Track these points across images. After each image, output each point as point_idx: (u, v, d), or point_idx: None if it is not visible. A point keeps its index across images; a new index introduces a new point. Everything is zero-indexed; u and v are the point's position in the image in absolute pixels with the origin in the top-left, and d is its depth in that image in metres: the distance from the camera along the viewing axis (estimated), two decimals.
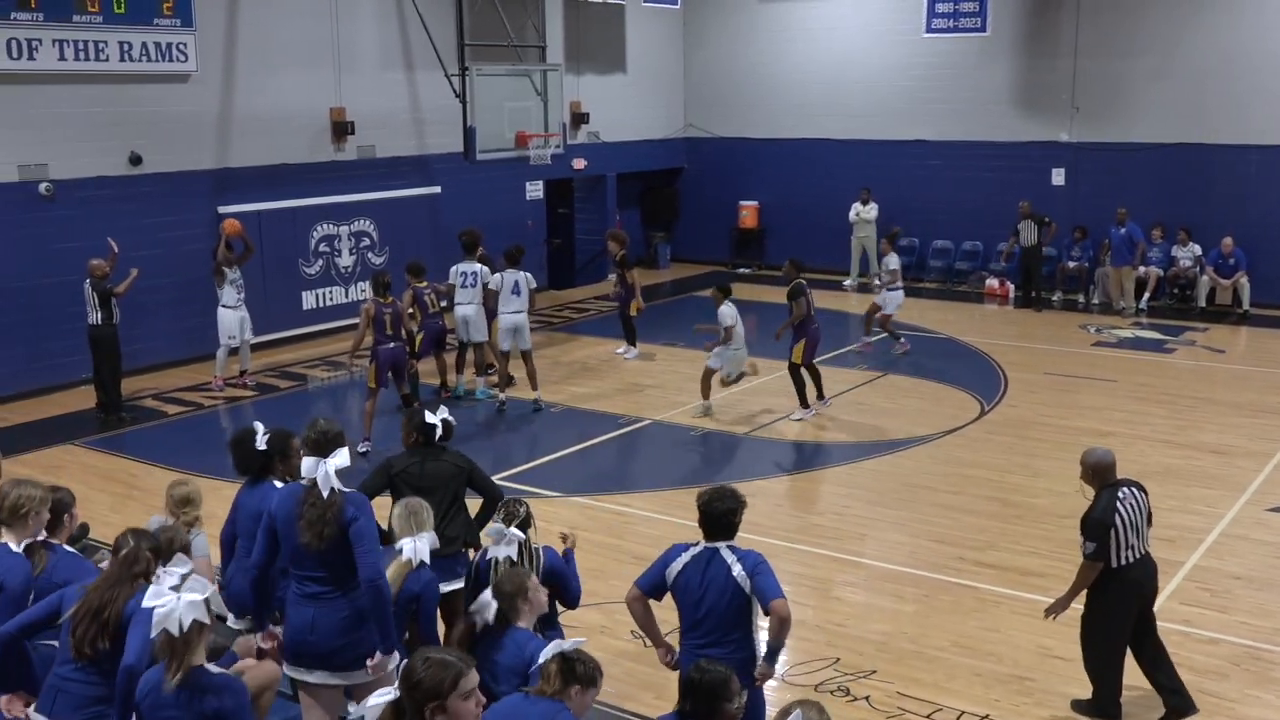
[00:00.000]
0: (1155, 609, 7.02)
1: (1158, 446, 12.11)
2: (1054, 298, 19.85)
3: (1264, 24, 18.48)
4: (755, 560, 5.52)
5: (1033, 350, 16.38)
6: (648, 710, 7.04)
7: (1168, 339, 17.18)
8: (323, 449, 5.72)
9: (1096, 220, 19.52)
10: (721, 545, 5.56)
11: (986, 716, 7.02)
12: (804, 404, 13.10)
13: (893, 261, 16.21)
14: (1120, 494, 6.69)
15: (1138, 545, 6.67)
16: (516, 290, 13.48)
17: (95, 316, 12.99)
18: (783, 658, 7.61)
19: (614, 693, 7.23)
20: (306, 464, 5.69)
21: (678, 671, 5.58)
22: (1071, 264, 19.90)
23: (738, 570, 5.45)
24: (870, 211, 21.15)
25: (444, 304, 13.89)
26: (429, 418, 6.98)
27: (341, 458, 5.69)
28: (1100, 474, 6.82)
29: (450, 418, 7.04)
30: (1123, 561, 6.62)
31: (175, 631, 4.42)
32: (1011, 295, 19.94)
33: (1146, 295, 19.09)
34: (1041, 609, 8.40)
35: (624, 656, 7.71)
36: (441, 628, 6.65)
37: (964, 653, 7.82)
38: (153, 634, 4.50)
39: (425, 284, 13.56)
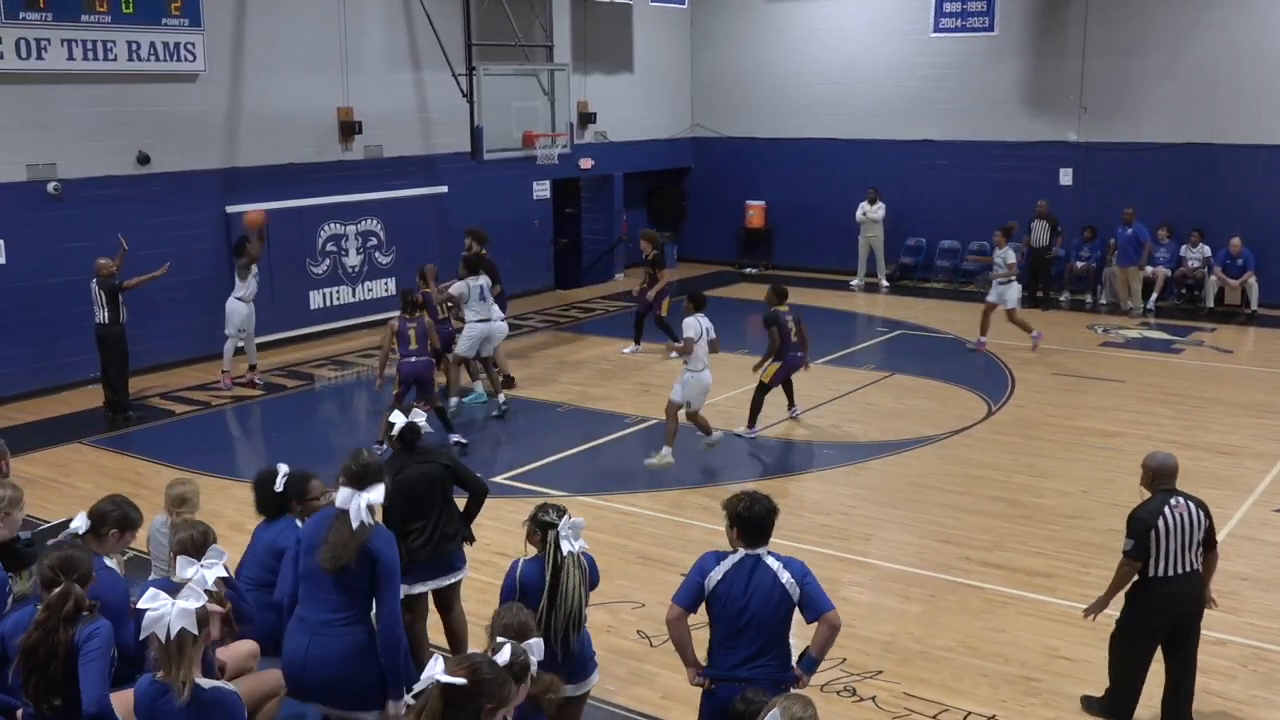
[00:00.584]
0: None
1: (1165, 447, 11.92)
2: (1061, 298, 19.82)
3: (1273, 23, 18.43)
4: (802, 568, 5.39)
5: (1040, 350, 16.35)
6: (652, 709, 7.04)
7: (1175, 339, 17.15)
8: (361, 481, 5.61)
9: (1104, 220, 19.48)
10: (763, 551, 5.40)
11: (993, 717, 7.01)
12: (751, 425, 12.65)
13: (1009, 255, 16.13)
14: (1172, 502, 6.53)
15: (1181, 559, 6.48)
16: (483, 296, 13.52)
17: (102, 315, 13.02)
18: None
19: (615, 690, 7.24)
20: (342, 494, 5.59)
21: (701, 688, 5.47)
22: (1080, 264, 19.87)
23: (785, 578, 5.31)
24: (878, 211, 21.13)
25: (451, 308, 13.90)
26: (400, 419, 6.96)
27: (377, 493, 5.60)
28: (1156, 478, 6.69)
29: (417, 420, 6.99)
30: (1160, 572, 6.48)
31: (163, 638, 4.33)
32: (1024, 297, 19.88)
33: (1154, 295, 19.06)
34: (1048, 609, 8.44)
35: (629, 656, 7.71)
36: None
37: (970, 653, 7.81)
38: (141, 635, 4.43)
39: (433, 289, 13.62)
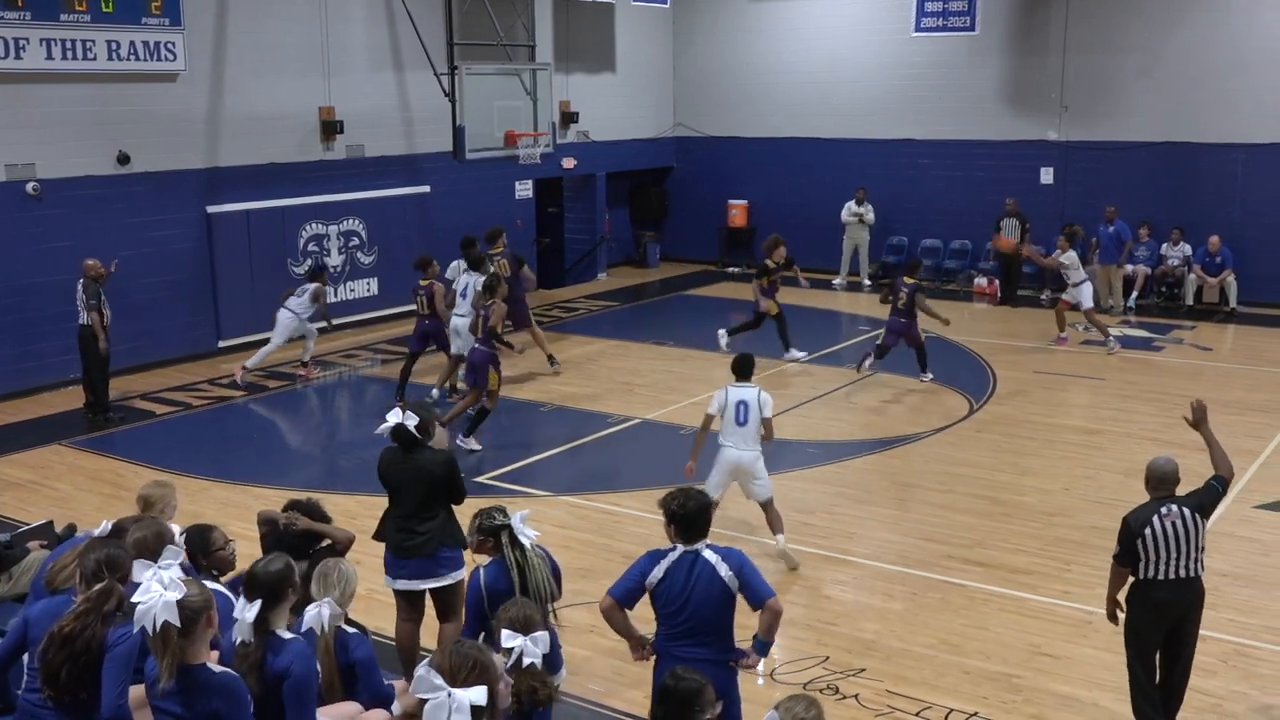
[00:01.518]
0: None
1: (1145, 444, 12.13)
2: (1043, 296, 19.90)
3: (1251, 23, 18.55)
4: (739, 558, 5.50)
5: (1021, 348, 16.43)
6: (637, 709, 7.05)
7: (1155, 337, 17.24)
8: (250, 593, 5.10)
9: (1085, 219, 19.51)
10: (701, 545, 5.52)
11: (975, 714, 7.04)
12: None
13: (1073, 257, 16.25)
14: (1163, 510, 6.40)
15: (1173, 565, 6.38)
16: (465, 294, 13.61)
17: (86, 316, 12.90)
18: (773, 655, 7.65)
19: (601, 690, 7.25)
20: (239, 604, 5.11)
21: (652, 663, 5.61)
22: None
23: (724, 570, 5.42)
24: (865, 211, 21.15)
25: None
26: (390, 420, 6.95)
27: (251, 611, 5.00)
28: (1151, 482, 6.62)
29: (407, 421, 6.89)
30: (1151, 575, 6.42)
31: (150, 629, 4.38)
32: (999, 294, 19.98)
33: (1134, 294, 19.16)
34: (1029, 607, 8.48)
35: (612, 655, 7.71)
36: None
37: (953, 650, 7.84)
38: (134, 628, 4.47)
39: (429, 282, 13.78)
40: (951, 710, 7.07)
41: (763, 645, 5.54)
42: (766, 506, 9.27)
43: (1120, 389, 14.39)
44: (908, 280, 14.78)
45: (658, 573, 5.49)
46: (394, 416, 6.95)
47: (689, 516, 5.52)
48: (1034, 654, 7.77)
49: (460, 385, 13.71)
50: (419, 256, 14.34)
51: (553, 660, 5.74)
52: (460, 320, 13.66)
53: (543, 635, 4.57)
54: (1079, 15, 19.81)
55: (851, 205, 21.23)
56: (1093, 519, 10.09)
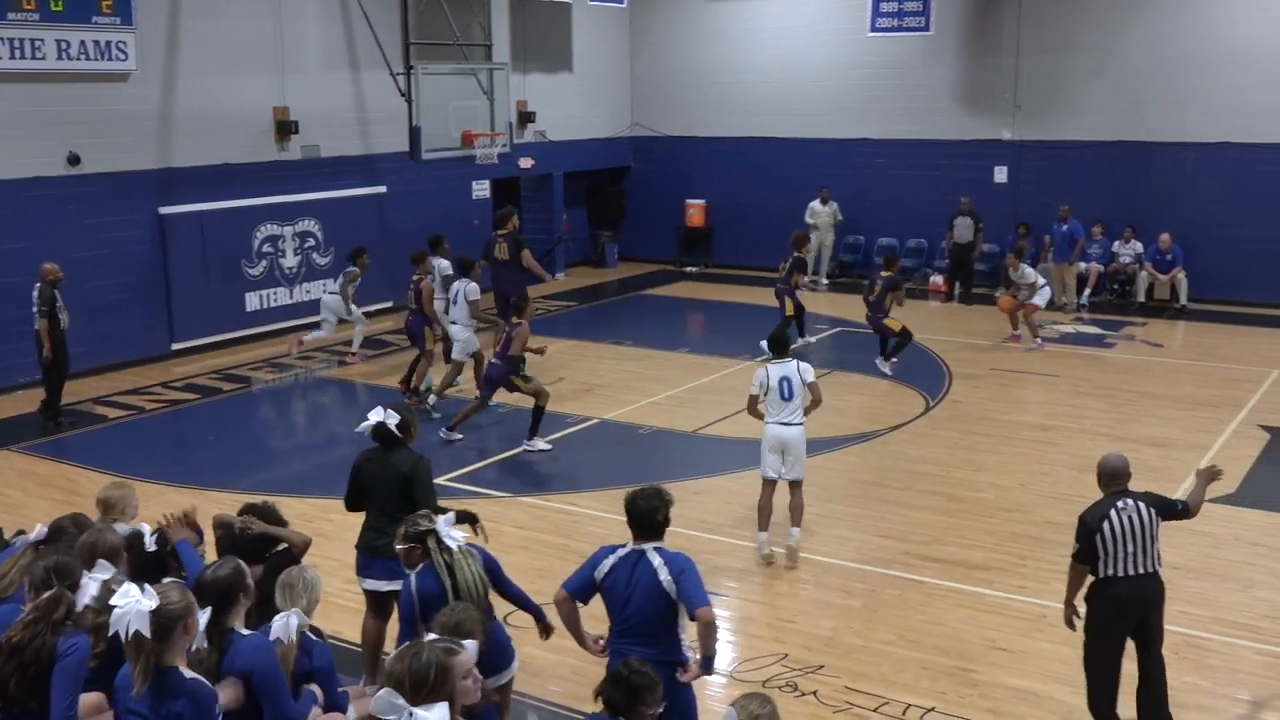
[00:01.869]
0: None
1: (1098, 440, 12.28)
2: (997, 293, 20.04)
3: (1201, 24, 18.81)
4: (682, 565, 5.43)
5: (976, 346, 16.57)
6: (597, 709, 7.03)
7: (1108, 334, 17.45)
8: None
9: (1038, 217, 19.77)
10: (649, 547, 5.49)
11: (932, 709, 7.09)
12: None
13: (1027, 274, 16.50)
14: (1119, 504, 6.44)
15: (1132, 561, 6.40)
16: (455, 300, 13.60)
17: (38, 321, 12.65)
18: (731, 654, 7.68)
19: (560, 691, 7.24)
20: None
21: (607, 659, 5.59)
22: None
23: (664, 575, 5.38)
24: (829, 210, 21.20)
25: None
26: (371, 419, 6.92)
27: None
28: (1102, 479, 6.66)
29: (388, 420, 6.87)
30: (1111, 572, 6.44)
31: (124, 635, 4.36)
32: (956, 292, 20.14)
33: (1087, 291, 19.38)
34: (986, 602, 8.56)
35: (572, 656, 7.69)
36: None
37: (910, 646, 7.89)
38: (110, 631, 4.45)
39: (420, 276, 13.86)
40: (909, 705, 7.12)
41: (705, 660, 5.39)
42: (794, 489, 9.32)
43: (1074, 385, 14.55)
44: (885, 274, 15.30)
45: (605, 567, 5.50)
46: (375, 415, 6.92)
47: (635, 514, 5.52)
48: (990, 648, 7.84)
49: (442, 385, 13.82)
50: (417, 251, 14.31)
51: (497, 659, 5.79)
52: (454, 328, 13.57)
53: (472, 643, 4.53)
54: (1032, 16, 20.01)
55: (815, 205, 21.26)
56: (1048, 514, 10.19)
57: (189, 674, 4.52)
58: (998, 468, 11.52)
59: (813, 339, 16.79)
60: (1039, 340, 16.36)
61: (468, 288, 13.45)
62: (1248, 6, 18.46)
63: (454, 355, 13.71)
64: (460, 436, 12.38)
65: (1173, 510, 6.61)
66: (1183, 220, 19.16)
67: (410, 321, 13.93)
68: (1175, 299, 19.04)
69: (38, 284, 12.69)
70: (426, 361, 13.86)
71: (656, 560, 5.42)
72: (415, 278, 13.82)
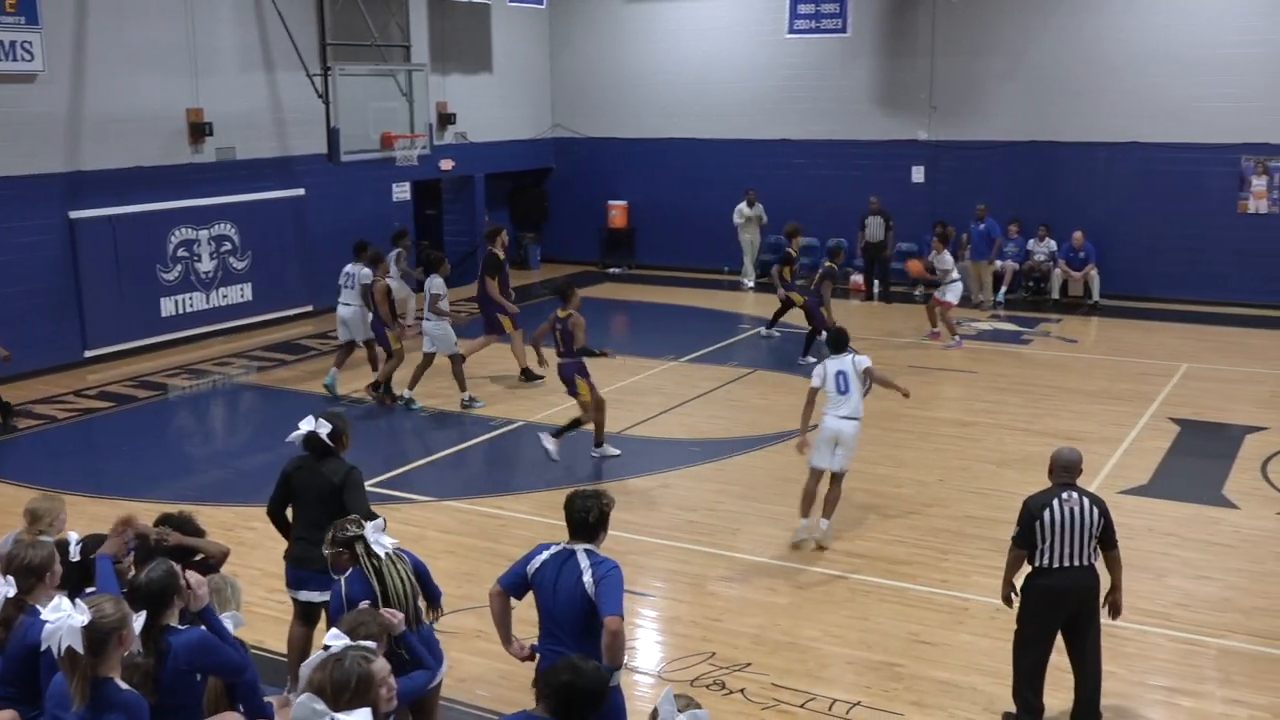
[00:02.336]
0: None
1: (1016, 435, 12.54)
2: (916, 292, 20.38)
3: (1108, 27, 19.26)
4: (606, 571, 5.36)
5: (896, 344, 16.79)
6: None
7: (1024, 330, 17.78)
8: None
9: (955, 216, 20.07)
10: (580, 548, 5.46)
11: (858, 703, 7.17)
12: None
13: (947, 259, 16.79)
14: (1064, 495, 6.54)
15: (1069, 553, 6.49)
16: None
17: None
18: (659, 654, 7.70)
19: (488, 695, 7.20)
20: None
21: (533, 662, 5.56)
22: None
23: (587, 576, 5.34)
24: (755, 212, 21.29)
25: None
26: (301, 429, 6.82)
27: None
28: (1054, 470, 6.76)
29: (319, 429, 6.78)
30: (1046, 562, 6.55)
31: (56, 652, 4.30)
32: (878, 291, 20.38)
33: (1003, 289, 19.74)
34: (909, 596, 8.67)
35: (500, 660, 7.65)
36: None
37: (836, 642, 7.98)
38: (42, 646, 4.41)
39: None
40: (835, 700, 7.19)
41: (607, 669, 5.14)
42: (836, 480, 9.65)
43: (991, 381, 14.81)
44: (827, 264, 15.78)
45: (536, 563, 5.49)
46: (306, 424, 6.81)
47: (569, 513, 5.53)
48: (914, 642, 7.95)
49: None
50: (371, 251, 14.24)
51: (423, 659, 5.73)
52: (428, 324, 13.57)
53: (369, 644, 4.50)
54: (945, 18, 20.33)
55: (742, 206, 21.35)
56: (967, 509, 10.36)
57: (123, 686, 4.48)
58: (918, 464, 11.69)
59: (775, 332, 17.21)
60: (957, 338, 16.63)
61: (433, 282, 13.54)
62: (1152, 11, 18.95)
63: (438, 350, 13.59)
64: (616, 451, 11.93)
65: (1109, 538, 6.65)
66: (1094, 218, 19.59)
67: (372, 323, 13.94)
68: (1088, 296, 19.46)
69: None
70: (396, 360, 13.86)
71: (584, 561, 5.40)
72: (368, 275, 13.86)
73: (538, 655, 5.56)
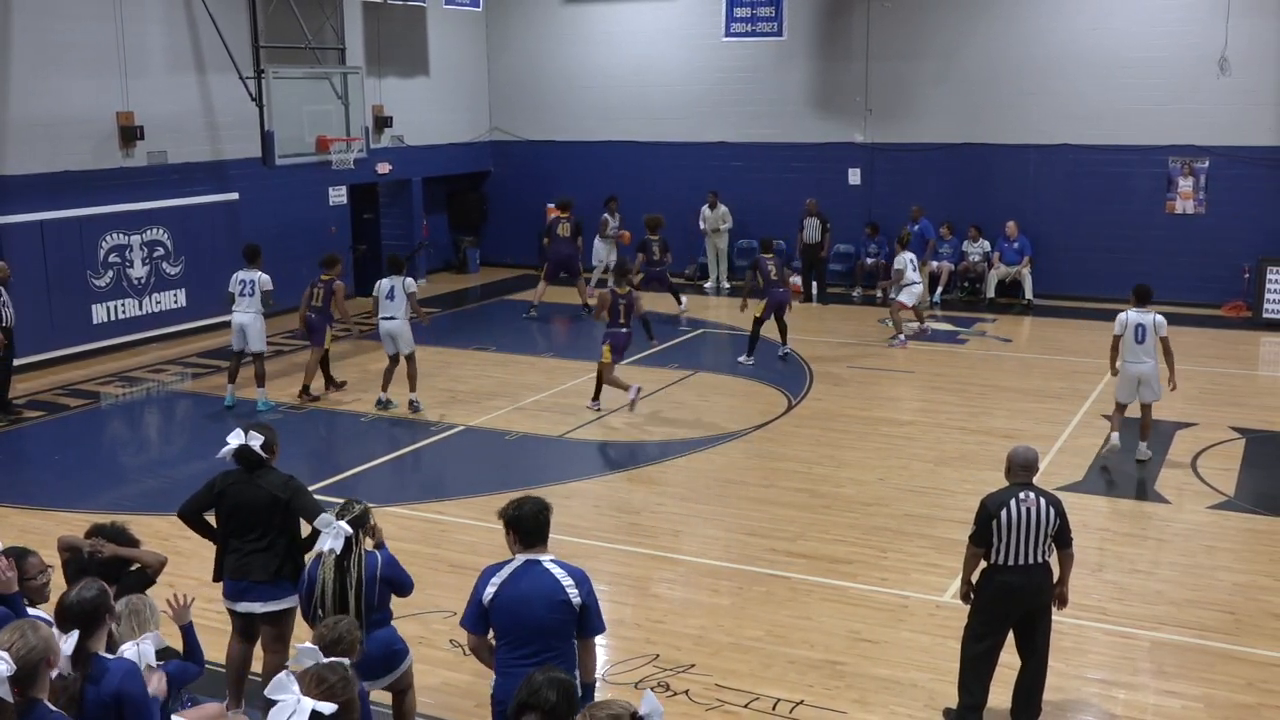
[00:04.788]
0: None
1: (953, 433, 12.69)
2: (854, 293, 20.56)
3: (1036, 31, 19.56)
4: (586, 580, 5.28)
5: (835, 345, 16.92)
6: (467, 718, 6.98)
7: (959, 330, 18.00)
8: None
9: (891, 218, 20.31)
10: (545, 558, 5.29)
11: (801, 702, 7.21)
12: (750, 354, 15.66)
13: (900, 260, 16.98)
14: (1020, 495, 6.59)
15: (1024, 552, 6.56)
16: (391, 296, 13.54)
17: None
18: (604, 657, 7.69)
19: (431, 703, 7.15)
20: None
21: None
22: (869, 260, 20.64)
23: (570, 586, 5.18)
24: (717, 214, 21.20)
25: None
26: (231, 443, 6.68)
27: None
28: (1011, 469, 6.82)
29: (250, 441, 6.67)
30: (1001, 560, 6.61)
31: None
32: (816, 292, 20.51)
33: (939, 289, 19.96)
34: (850, 595, 8.75)
35: (442, 666, 7.64)
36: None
37: (779, 641, 8.02)
38: None
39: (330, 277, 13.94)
40: (779, 700, 7.23)
41: (588, 690, 5.25)
42: (1147, 410, 11.54)
43: (929, 381, 14.97)
44: (763, 255, 16.15)
45: (491, 589, 5.24)
46: (235, 438, 6.68)
47: (524, 519, 5.31)
48: (855, 640, 8.02)
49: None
50: (327, 254, 14.47)
51: (387, 661, 6.05)
52: (394, 323, 13.50)
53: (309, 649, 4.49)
54: (879, 23, 20.53)
55: (705, 210, 21.22)
56: (906, 507, 10.47)
57: (52, 709, 4.37)
58: (858, 463, 11.78)
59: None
60: (901, 336, 16.80)
61: (405, 282, 13.59)
62: (1080, 14, 19.28)
63: (401, 350, 13.56)
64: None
65: (1064, 537, 6.73)
66: (1026, 220, 19.87)
67: (312, 320, 13.84)
68: (1022, 295, 19.75)
69: None
70: (316, 357, 13.98)
71: (558, 572, 5.23)
72: (325, 278, 13.85)
73: (497, 674, 5.36)
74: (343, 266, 14.67)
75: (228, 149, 18.15)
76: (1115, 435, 11.53)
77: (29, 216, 15.46)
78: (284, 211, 18.81)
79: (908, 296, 16.94)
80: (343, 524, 5.97)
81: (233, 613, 6.86)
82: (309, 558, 6.40)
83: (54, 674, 4.44)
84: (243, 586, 6.70)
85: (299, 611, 6.40)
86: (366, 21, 20.63)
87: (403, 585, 6.31)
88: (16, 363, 15.31)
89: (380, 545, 6.28)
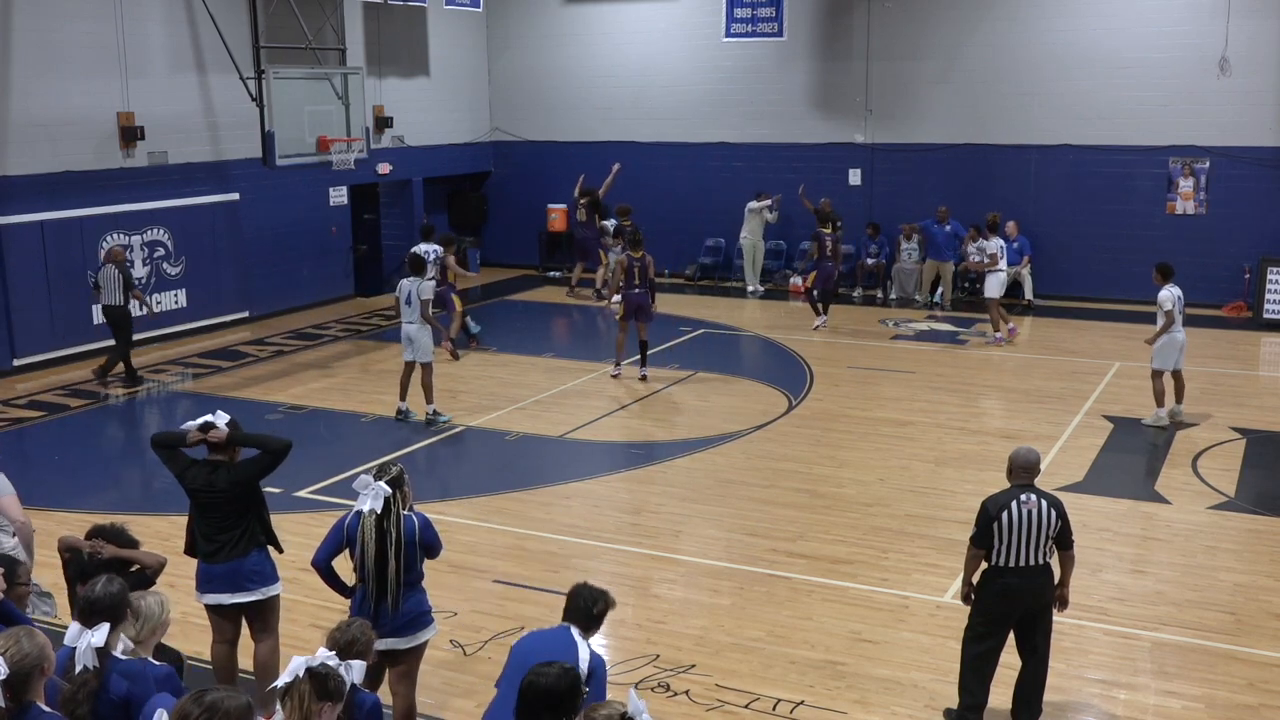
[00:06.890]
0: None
1: (953, 434, 12.68)
2: (854, 294, 20.55)
3: (1037, 32, 19.56)
4: (604, 674, 5.26)
5: (836, 345, 16.92)
6: (466, 718, 6.98)
7: (960, 330, 17.99)
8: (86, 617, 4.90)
9: (891, 218, 20.31)
10: (580, 639, 5.30)
11: (801, 702, 7.21)
12: (820, 314, 17.69)
13: (989, 245, 17.39)
14: (1022, 497, 6.59)
15: (1025, 554, 6.56)
16: (409, 300, 13.06)
17: (115, 297, 14.58)
18: (604, 657, 7.67)
19: (432, 703, 7.15)
20: (71, 631, 4.94)
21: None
22: (870, 261, 20.63)
23: (584, 667, 5.06)
24: (764, 208, 20.92)
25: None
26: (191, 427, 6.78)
27: (100, 635, 4.84)
28: (1013, 471, 6.80)
29: (216, 420, 6.75)
30: (1001, 561, 6.61)
31: None
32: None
33: (940, 289, 19.94)
34: (850, 595, 8.74)
35: (442, 666, 7.63)
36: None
37: (779, 642, 8.02)
38: None
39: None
40: (779, 700, 7.23)
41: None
42: (1179, 375, 12.82)
43: (929, 381, 14.97)
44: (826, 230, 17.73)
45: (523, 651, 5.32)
46: (220, 418, 6.79)
47: (576, 604, 5.42)
48: (856, 641, 8.01)
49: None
50: (442, 235, 16.06)
51: (416, 620, 6.31)
52: (412, 328, 13.03)
53: (359, 665, 4.58)
54: (880, 23, 20.53)
55: (752, 204, 20.94)
56: (907, 507, 10.46)
57: (46, 710, 4.37)
58: (858, 463, 11.78)
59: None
60: (1012, 326, 17.29)
61: (421, 286, 13.09)
62: (1081, 15, 19.28)
63: (418, 359, 13.08)
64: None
65: (1065, 539, 6.73)
66: (1027, 219, 19.87)
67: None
68: (1022, 296, 19.74)
69: (110, 264, 14.54)
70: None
71: (583, 651, 5.19)
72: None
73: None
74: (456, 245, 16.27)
75: (228, 149, 18.15)
76: (1163, 410, 12.76)
77: (29, 217, 15.47)
78: (284, 212, 18.80)
79: (996, 287, 17.04)
80: (382, 484, 6.12)
81: (207, 608, 6.83)
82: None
83: (46, 680, 4.44)
84: (216, 577, 6.70)
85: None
86: (367, 22, 20.63)
87: (435, 547, 6.40)
88: (17, 362, 15.39)
89: (410, 508, 6.36)
